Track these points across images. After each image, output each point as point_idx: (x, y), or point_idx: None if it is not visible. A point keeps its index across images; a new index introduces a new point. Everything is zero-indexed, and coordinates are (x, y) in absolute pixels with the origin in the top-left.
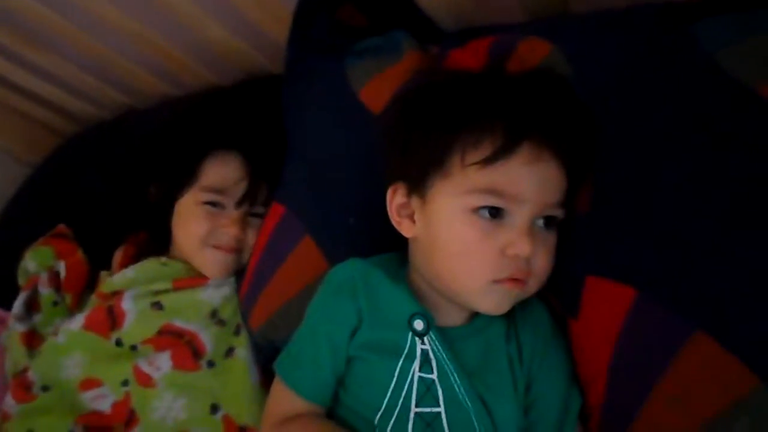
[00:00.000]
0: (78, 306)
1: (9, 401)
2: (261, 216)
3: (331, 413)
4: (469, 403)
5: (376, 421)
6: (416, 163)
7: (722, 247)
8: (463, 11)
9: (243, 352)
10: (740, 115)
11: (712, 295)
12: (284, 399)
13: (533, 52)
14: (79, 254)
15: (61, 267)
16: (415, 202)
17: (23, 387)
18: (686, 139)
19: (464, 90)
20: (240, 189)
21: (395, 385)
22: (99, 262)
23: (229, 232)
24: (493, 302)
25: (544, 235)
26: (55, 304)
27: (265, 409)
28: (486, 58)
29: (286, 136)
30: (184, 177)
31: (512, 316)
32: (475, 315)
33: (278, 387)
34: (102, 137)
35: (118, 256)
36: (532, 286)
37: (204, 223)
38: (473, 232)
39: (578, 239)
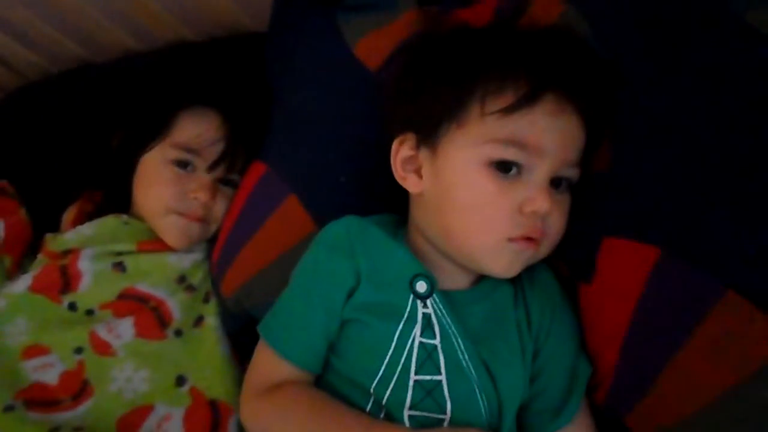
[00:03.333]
0: (18, 270)
1: None
2: (234, 185)
3: (319, 382)
4: (473, 371)
5: (372, 389)
6: (428, 112)
7: (749, 202)
8: None
9: (213, 320)
10: None
11: (741, 252)
12: (270, 365)
13: (547, 10)
14: (21, 213)
15: (0, 226)
16: (423, 154)
17: None
18: (711, 99)
19: (481, 39)
20: (215, 151)
21: (394, 350)
22: (43, 225)
23: (197, 198)
24: (505, 262)
25: (559, 197)
26: None
27: (247, 375)
28: (492, 20)
29: (268, 97)
30: (153, 128)
31: (519, 281)
32: (480, 279)
33: (263, 352)
34: (54, 88)
35: (69, 214)
36: (545, 248)
37: (170, 186)
38: (490, 185)
39: (595, 200)
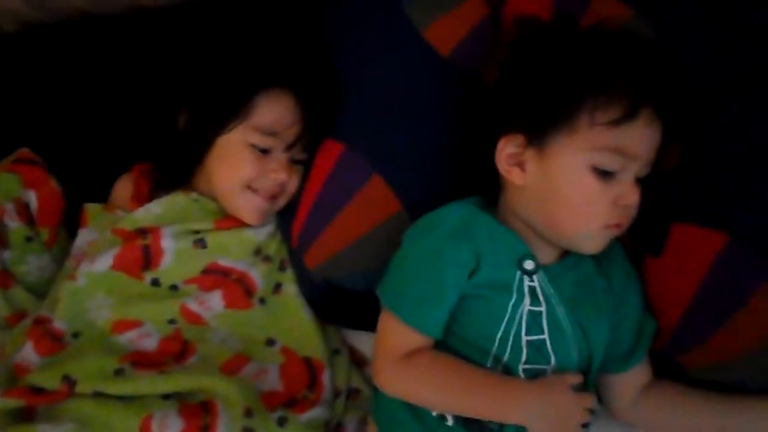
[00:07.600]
0: (56, 242)
1: (28, 355)
2: (301, 162)
3: (440, 344)
4: (570, 328)
5: (492, 351)
6: (540, 120)
7: None
8: None
9: (291, 287)
10: None
11: None
12: (402, 335)
13: (613, 14)
14: (52, 184)
15: (32, 198)
16: (530, 153)
17: (49, 338)
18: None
19: (587, 47)
20: (292, 133)
21: (509, 318)
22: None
23: (277, 178)
24: (597, 244)
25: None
26: (29, 239)
27: (379, 345)
28: (551, 8)
29: (336, 75)
30: (232, 110)
31: (595, 254)
32: (564, 254)
33: (392, 323)
34: (68, 33)
35: (124, 189)
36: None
37: (253, 167)
38: (594, 186)
39: (665, 190)
